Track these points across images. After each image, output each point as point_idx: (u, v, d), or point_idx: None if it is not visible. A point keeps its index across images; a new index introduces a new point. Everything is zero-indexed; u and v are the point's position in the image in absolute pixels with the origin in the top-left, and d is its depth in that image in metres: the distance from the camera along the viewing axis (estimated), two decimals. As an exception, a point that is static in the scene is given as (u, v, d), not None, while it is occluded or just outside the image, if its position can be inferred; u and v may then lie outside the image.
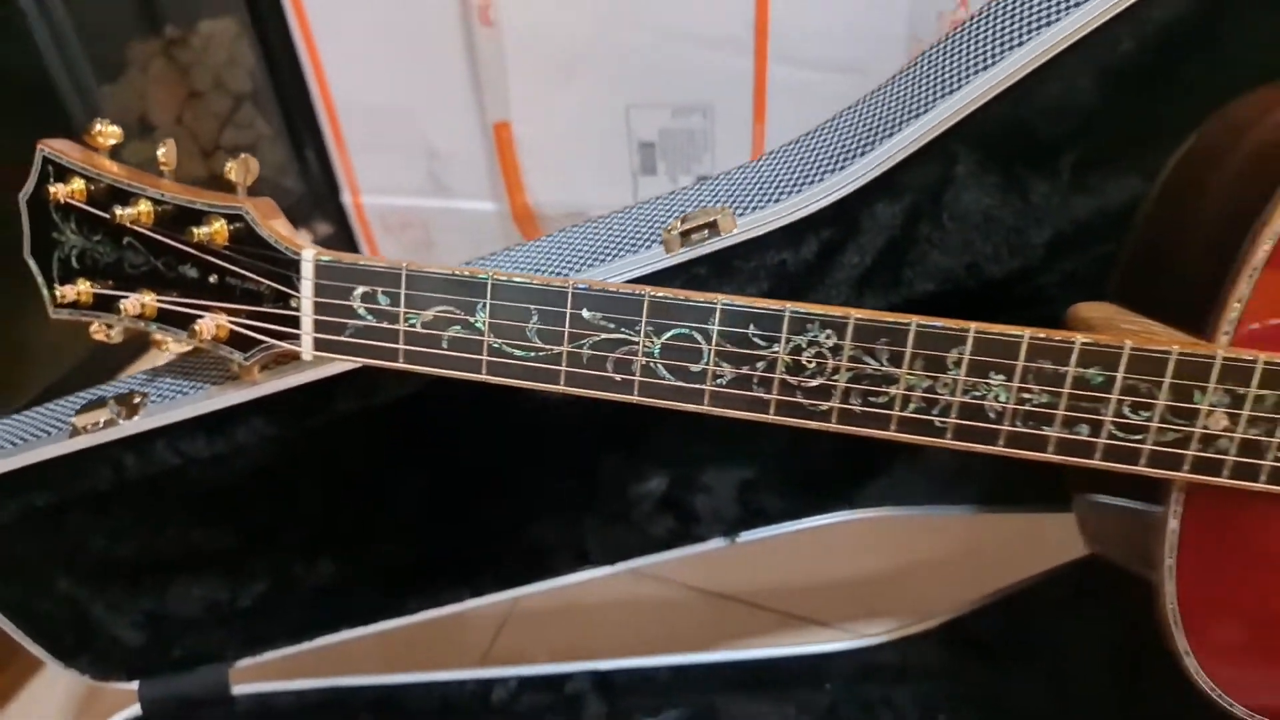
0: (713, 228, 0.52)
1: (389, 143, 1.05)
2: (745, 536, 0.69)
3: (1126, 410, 0.47)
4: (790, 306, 0.46)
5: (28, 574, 0.61)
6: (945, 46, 0.53)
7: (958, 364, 0.46)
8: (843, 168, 0.52)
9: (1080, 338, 0.46)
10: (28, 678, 0.88)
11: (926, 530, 0.71)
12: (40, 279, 0.54)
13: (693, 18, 0.90)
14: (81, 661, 0.66)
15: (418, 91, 1.02)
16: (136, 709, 0.68)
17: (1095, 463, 0.48)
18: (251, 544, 0.66)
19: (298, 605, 0.68)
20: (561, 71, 0.96)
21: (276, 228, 0.48)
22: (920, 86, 0.52)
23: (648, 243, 0.54)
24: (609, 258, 0.54)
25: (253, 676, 0.69)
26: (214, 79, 0.96)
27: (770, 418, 0.48)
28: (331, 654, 0.69)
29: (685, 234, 0.52)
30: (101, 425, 0.54)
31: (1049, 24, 0.49)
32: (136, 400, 0.55)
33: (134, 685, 0.68)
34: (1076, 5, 0.48)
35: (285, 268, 0.47)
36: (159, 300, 0.51)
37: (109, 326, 0.53)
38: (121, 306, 0.51)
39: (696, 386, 0.48)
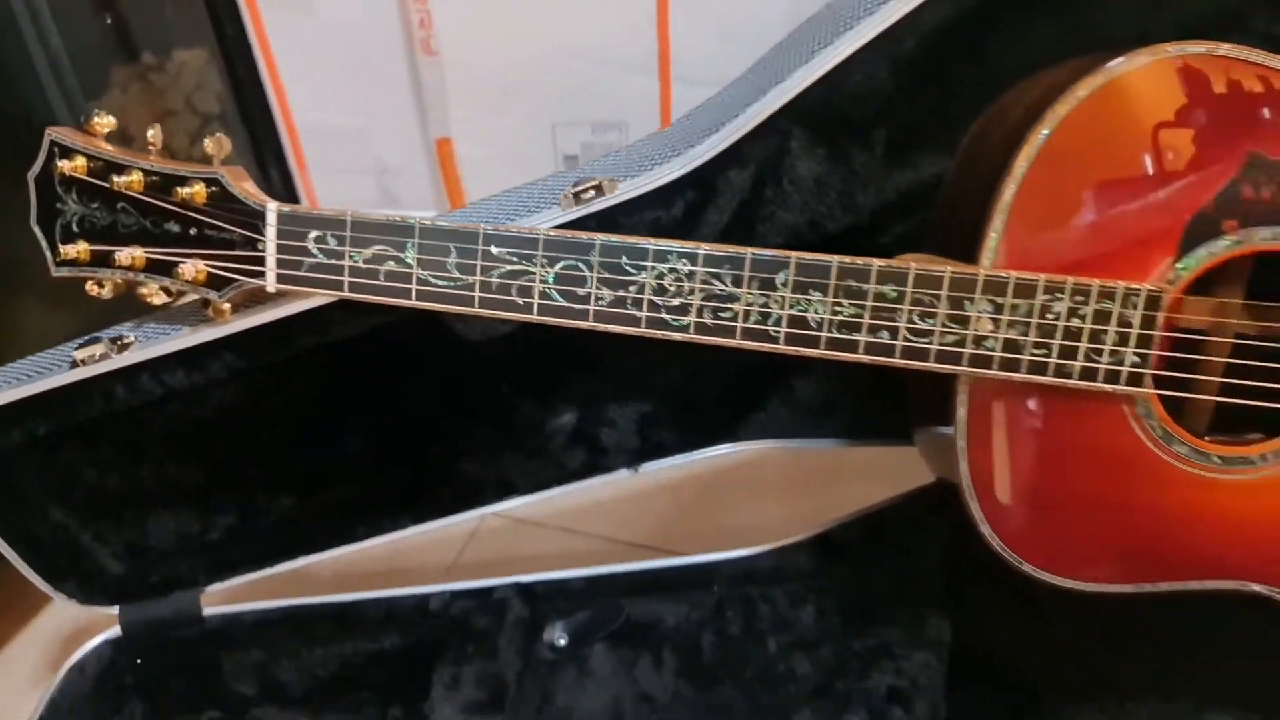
0: (599, 189, 0.66)
1: (344, 159, 1.18)
2: (646, 467, 0.81)
3: (916, 318, 0.60)
4: (654, 242, 0.59)
5: (27, 503, 0.72)
6: (780, 46, 0.67)
7: (785, 284, 0.59)
8: (700, 143, 0.66)
9: (877, 262, 0.60)
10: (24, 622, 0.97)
11: (802, 459, 0.84)
12: (44, 243, 0.65)
13: (607, 47, 1.05)
14: (70, 586, 0.75)
15: (369, 113, 1.16)
16: (117, 630, 0.78)
17: (896, 361, 0.61)
18: (220, 480, 0.77)
19: (260, 536, 0.78)
20: (496, 94, 1.10)
21: (246, 188, 0.60)
22: (760, 78, 0.66)
23: (549, 204, 0.67)
24: (517, 217, 0.67)
25: (221, 600, 0.79)
26: (185, 101, 1.08)
27: (642, 331, 0.61)
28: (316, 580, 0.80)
29: (577, 195, 0.65)
30: (97, 359, 0.65)
31: (850, 27, 0.63)
32: (127, 340, 0.66)
33: (115, 610, 0.78)
34: (869, 12, 0.63)
35: (253, 218, 0.59)
36: (147, 252, 0.63)
37: (100, 286, 0.65)
38: (115, 258, 0.62)
39: (583, 307, 0.60)
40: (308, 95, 1.17)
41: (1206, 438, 0.64)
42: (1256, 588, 0.66)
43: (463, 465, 0.78)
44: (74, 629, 0.93)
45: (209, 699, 0.78)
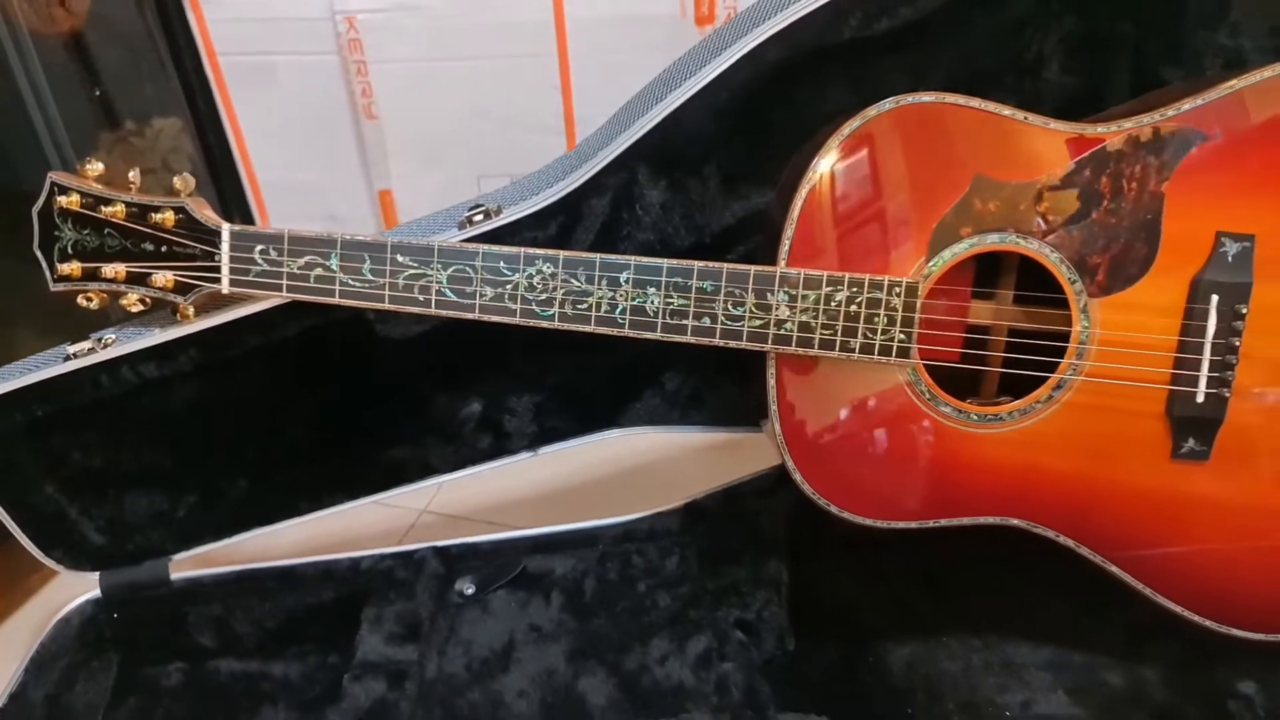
0: (488, 215, 0.83)
1: (300, 210, 1.35)
2: (544, 450, 0.97)
3: (730, 307, 0.77)
4: (524, 250, 0.76)
5: (26, 479, 0.86)
6: (629, 102, 0.86)
7: (627, 282, 0.77)
8: (567, 177, 0.83)
9: (697, 264, 0.77)
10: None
11: (675, 442, 1.00)
12: (44, 263, 0.81)
13: (522, 111, 1.24)
14: (58, 553, 0.90)
15: (321, 170, 1.34)
16: (97, 593, 0.92)
17: (717, 342, 0.78)
18: (186, 464, 0.92)
19: (219, 512, 0.93)
20: (428, 151, 1.29)
21: (206, 213, 0.77)
22: (613, 126, 0.85)
23: (451, 226, 0.84)
24: (428, 235, 0.84)
25: (187, 566, 0.93)
26: (162, 161, 1.26)
27: (517, 320, 0.78)
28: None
29: (470, 219, 0.83)
30: (86, 352, 0.81)
31: (678, 85, 0.81)
32: (110, 339, 0.82)
33: (95, 575, 0.92)
34: (692, 74, 0.81)
35: (211, 236, 0.76)
36: (128, 267, 0.79)
37: (89, 299, 0.81)
38: (102, 273, 0.79)
39: (470, 301, 0.77)
40: (268, 156, 1.35)
41: (969, 399, 0.81)
42: (1015, 521, 0.82)
43: (389, 449, 0.94)
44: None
45: (175, 650, 0.92)
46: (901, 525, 0.82)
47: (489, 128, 1.25)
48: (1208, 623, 0.82)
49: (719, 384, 0.99)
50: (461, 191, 1.29)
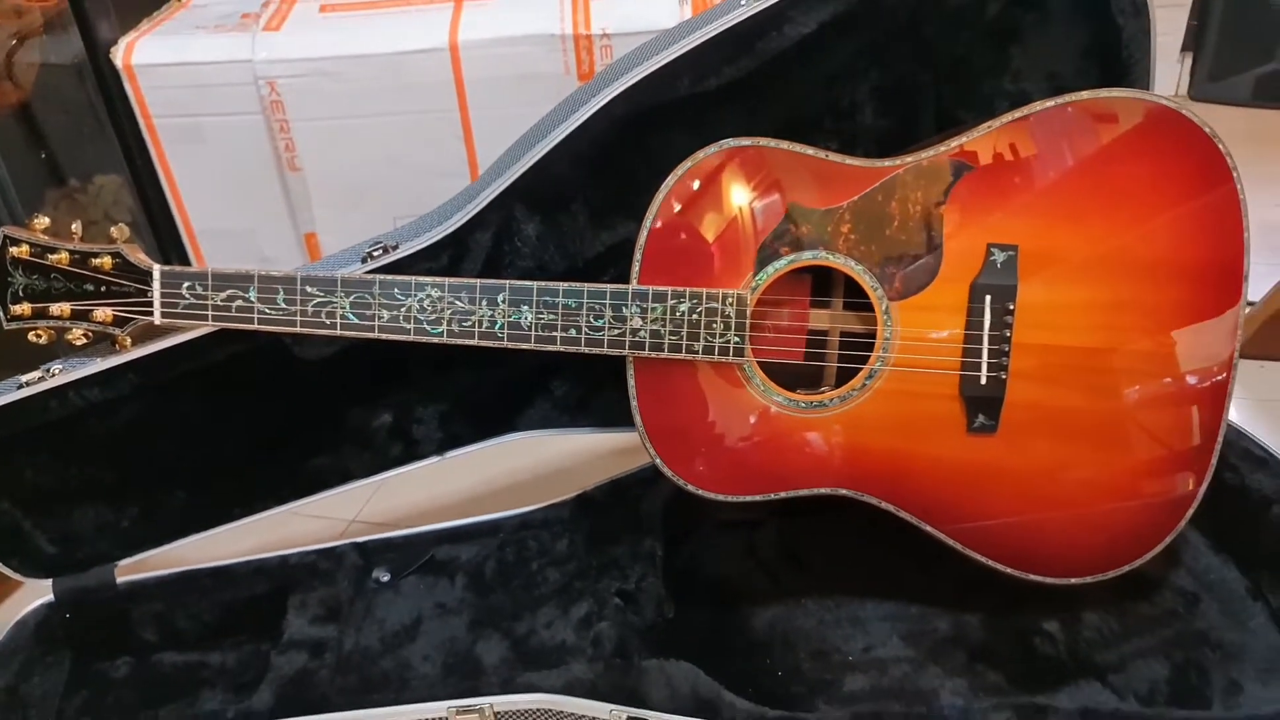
0: (386, 250, 0.97)
1: (233, 255, 1.48)
2: (451, 453, 1.10)
3: (592, 319, 0.91)
4: (415, 278, 0.90)
5: (-18, 497, 0.98)
6: (507, 151, 1.01)
7: (504, 301, 0.91)
8: (453, 216, 0.98)
9: (563, 285, 0.91)
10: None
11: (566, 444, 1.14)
12: None
13: (429, 159, 1.39)
14: (14, 562, 1.01)
15: (250, 217, 1.47)
16: (50, 597, 1.03)
17: (583, 349, 0.92)
18: (128, 480, 1.03)
19: (160, 521, 1.05)
20: (349, 196, 1.43)
21: (139, 256, 0.90)
22: (492, 172, 1.00)
23: (356, 260, 0.98)
24: (336, 269, 0.97)
25: (131, 570, 1.04)
26: (104, 214, 1.39)
27: (411, 338, 0.91)
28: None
29: (370, 254, 0.97)
30: (37, 381, 0.93)
31: (544, 136, 0.97)
32: (57, 369, 0.94)
33: (48, 581, 1.03)
34: (556, 125, 0.96)
35: (144, 275, 0.89)
36: (72, 305, 0.91)
37: (39, 335, 0.93)
38: (50, 311, 0.91)
39: (370, 323, 0.90)
40: (202, 206, 1.48)
41: (798, 390, 0.96)
42: (844, 491, 0.96)
43: (311, 458, 1.06)
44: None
45: (121, 647, 1.03)
46: (748, 498, 0.96)
47: (401, 175, 1.40)
48: (1012, 571, 0.98)
49: (603, 389, 1.13)
50: (379, 231, 1.44)
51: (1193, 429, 0.95)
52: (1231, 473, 1.05)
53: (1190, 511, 0.96)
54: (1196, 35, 2.23)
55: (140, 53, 1.39)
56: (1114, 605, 1.01)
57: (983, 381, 0.93)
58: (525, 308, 0.91)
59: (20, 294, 0.91)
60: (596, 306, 0.91)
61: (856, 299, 0.96)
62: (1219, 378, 0.94)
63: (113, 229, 0.91)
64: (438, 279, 0.90)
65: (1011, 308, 0.92)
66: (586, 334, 0.92)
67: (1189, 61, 2.27)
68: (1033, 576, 0.98)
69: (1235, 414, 0.97)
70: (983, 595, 1.03)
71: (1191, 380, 0.94)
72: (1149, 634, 0.98)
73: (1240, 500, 1.04)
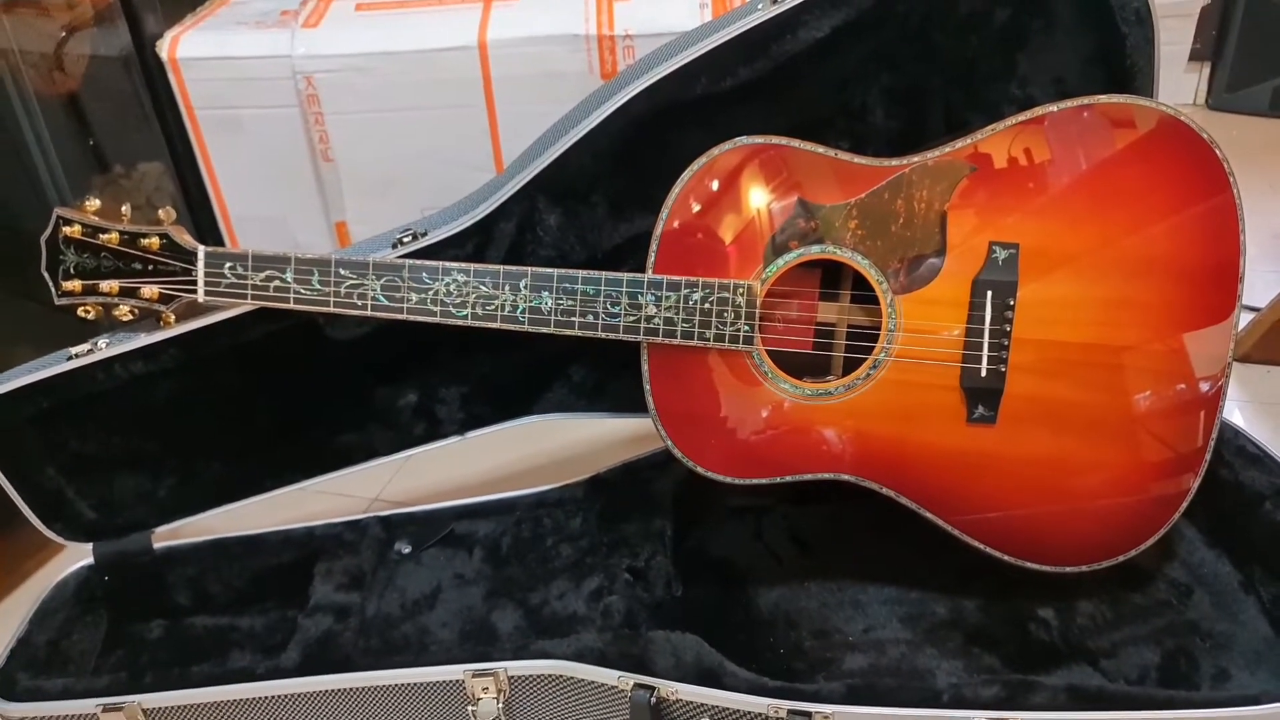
0: (415, 236, 1.02)
1: (267, 241, 1.54)
2: (471, 434, 1.15)
3: (609, 306, 0.96)
4: (442, 263, 0.95)
5: (33, 463, 1.03)
6: (531, 146, 1.05)
7: (526, 287, 0.95)
8: (478, 206, 1.03)
9: (581, 272, 0.96)
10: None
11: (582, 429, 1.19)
12: (50, 282, 0.98)
13: (456, 153, 1.45)
14: (58, 527, 1.07)
15: (284, 205, 1.53)
16: (90, 560, 1.09)
17: (600, 335, 0.96)
18: (167, 450, 1.09)
19: (195, 491, 1.10)
20: (379, 187, 1.48)
21: (185, 238, 0.95)
22: (516, 165, 1.05)
23: (386, 245, 1.03)
24: (369, 252, 1.03)
25: (167, 536, 1.10)
26: (146, 199, 1.45)
27: (437, 319, 0.96)
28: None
29: (400, 240, 1.02)
30: (85, 353, 0.99)
31: (566, 132, 1.01)
32: (104, 344, 1.00)
33: (89, 545, 1.09)
34: (577, 123, 1.01)
35: (189, 256, 0.94)
36: (121, 283, 0.97)
37: (88, 311, 0.98)
38: (99, 288, 0.96)
39: (399, 305, 0.95)
40: (239, 194, 1.55)
41: (805, 378, 1.00)
42: (847, 477, 1.00)
43: (338, 435, 1.12)
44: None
45: (157, 609, 1.09)
46: (754, 481, 1.00)
47: (429, 167, 1.46)
48: (1009, 559, 1.01)
49: (621, 376, 1.17)
50: (407, 221, 1.50)
51: (1188, 425, 0.98)
52: (1226, 469, 1.08)
53: (1184, 505, 0.99)
54: (1214, 45, 2.25)
55: (184, 46, 1.45)
56: (1108, 594, 1.04)
57: (983, 374, 0.97)
58: (546, 293, 0.96)
59: (71, 271, 0.97)
60: (613, 293, 0.96)
61: (864, 292, 1.00)
62: (1214, 376, 0.97)
63: (160, 211, 0.96)
64: (463, 264, 0.95)
65: (1012, 303, 0.96)
66: (603, 320, 0.96)
67: (1207, 71, 2.29)
68: (1030, 564, 1.01)
69: (1239, 417, 1.00)
70: (981, 582, 1.06)
71: (1187, 377, 0.97)
72: (1141, 622, 1.02)
73: (1234, 496, 1.07)
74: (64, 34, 1.42)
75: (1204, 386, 0.97)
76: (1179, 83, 2.22)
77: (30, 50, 1.31)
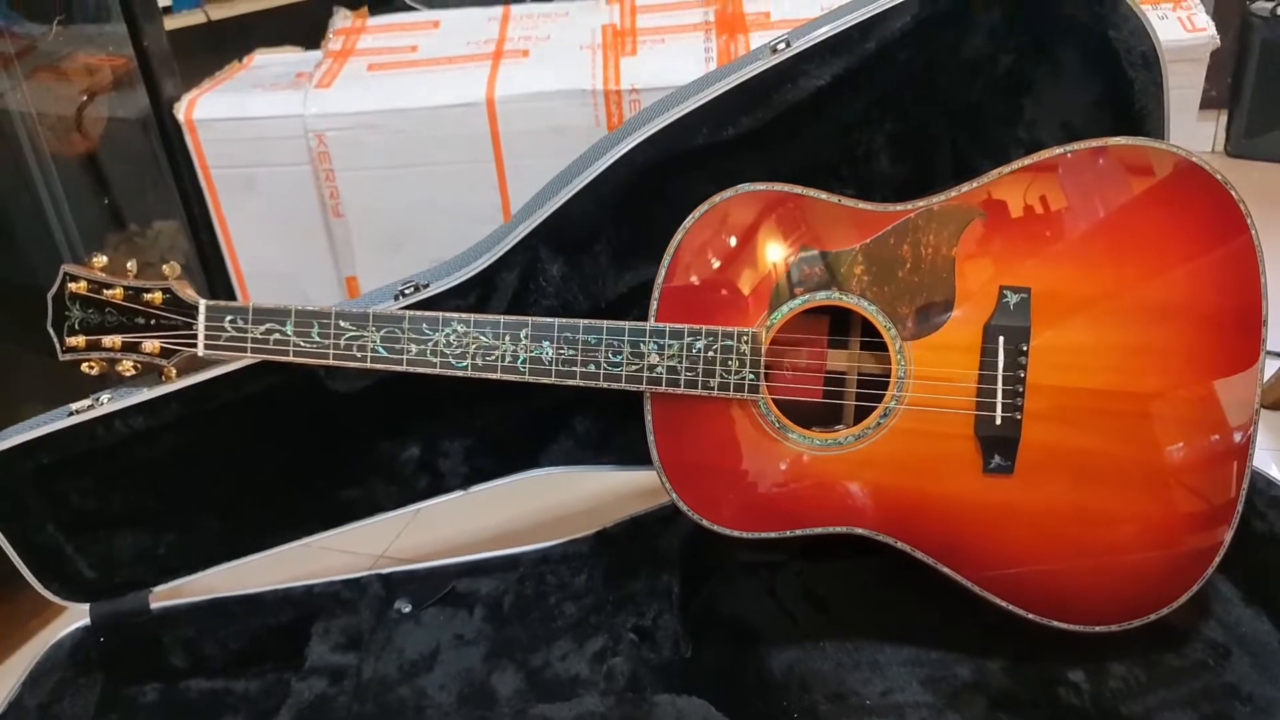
0: (417, 288, 1.01)
1: (279, 297, 1.53)
2: (475, 488, 1.12)
3: (610, 355, 0.94)
4: (442, 314, 0.94)
5: (31, 520, 1.02)
6: (534, 197, 1.05)
7: (526, 337, 0.94)
8: (480, 257, 1.02)
9: (583, 321, 0.94)
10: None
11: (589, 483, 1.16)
12: (55, 338, 0.98)
13: (466, 206, 1.45)
14: (55, 586, 1.05)
15: (295, 261, 1.54)
16: (87, 621, 1.07)
17: (602, 384, 0.94)
18: (167, 507, 1.07)
19: (195, 548, 1.08)
20: (389, 242, 1.49)
21: (187, 292, 0.95)
22: (520, 216, 1.04)
23: (388, 298, 1.02)
24: (370, 305, 1.02)
25: (165, 596, 1.08)
26: (161, 257, 1.47)
27: (437, 370, 0.95)
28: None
29: (403, 292, 1.01)
30: (86, 409, 0.98)
31: (568, 182, 1.01)
32: (106, 398, 0.99)
33: (86, 605, 1.07)
34: (579, 173, 1.00)
35: (191, 310, 0.94)
36: (124, 338, 0.96)
37: (91, 367, 0.98)
38: (103, 343, 0.96)
39: (399, 357, 0.94)
40: (252, 251, 1.56)
41: (814, 427, 0.97)
42: (859, 531, 0.97)
43: (341, 490, 1.10)
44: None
45: (152, 672, 1.06)
46: (763, 535, 0.97)
47: (438, 221, 1.46)
48: (1033, 617, 0.97)
49: (627, 429, 1.14)
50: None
51: (1216, 474, 0.94)
52: (1261, 521, 1.03)
53: (1217, 560, 0.95)
54: (1230, 91, 2.24)
55: (201, 108, 1.48)
56: (1142, 656, 0.99)
57: (998, 421, 0.94)
58: (546, 343, 0.94)
59: (76, 327, 0.96)
60: (615, 342, 0.94)
61: (874, 339, 0.98)
62: (1243, 424, 0.94)
63: (164, 266, 0.96)
64: (464, 315, 0.94)
65: (1025, 349, 0.93)
66: (605, 369, 0.95)
67: (1224, 118, 2.27)
68: (1055, 623, 0.96)
69: (1275, 469, 0.96)
70: (1005, 642, 1.01)
71: (1212, 425, 0.93)
72: (1177, 685, 0.96)
73: (1272, 549, 1.02)
74: (84, 98, 1.45)
75: (1232, 435, 0.93)
76: (1196, 130, 2.20)
77: (48, 113, 1.35)
